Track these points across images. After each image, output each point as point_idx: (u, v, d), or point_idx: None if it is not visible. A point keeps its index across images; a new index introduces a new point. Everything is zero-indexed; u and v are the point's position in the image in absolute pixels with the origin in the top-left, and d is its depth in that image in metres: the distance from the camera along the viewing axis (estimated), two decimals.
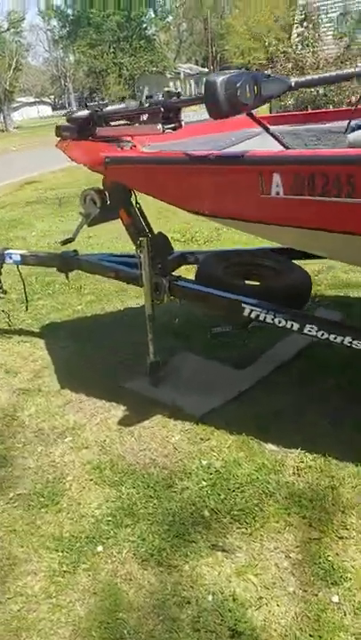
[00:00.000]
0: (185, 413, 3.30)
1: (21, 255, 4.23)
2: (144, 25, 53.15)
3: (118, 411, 3.44)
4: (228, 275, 3.53)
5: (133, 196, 3.63)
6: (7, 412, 3.56)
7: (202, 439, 3.08)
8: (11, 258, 4.24)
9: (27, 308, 4.63)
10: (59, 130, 3.55)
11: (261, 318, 2.98)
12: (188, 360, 3.87)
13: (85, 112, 3.29)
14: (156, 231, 3.58)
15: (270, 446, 2.94)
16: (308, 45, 8.78)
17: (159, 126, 2.74)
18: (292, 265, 3.58)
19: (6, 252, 4.28)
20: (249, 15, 55.74)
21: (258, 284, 3.60)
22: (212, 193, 2.57)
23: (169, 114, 2.75)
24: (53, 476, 2.93)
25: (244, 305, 3.02)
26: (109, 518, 2.59)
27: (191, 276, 3.76)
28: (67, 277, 4.19)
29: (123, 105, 3.45)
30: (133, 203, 3.64)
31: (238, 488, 2.67)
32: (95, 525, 2.57)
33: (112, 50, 42.91)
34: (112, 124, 3.28)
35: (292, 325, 2.86)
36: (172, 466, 2.89)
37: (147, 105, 2.90)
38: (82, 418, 3.42)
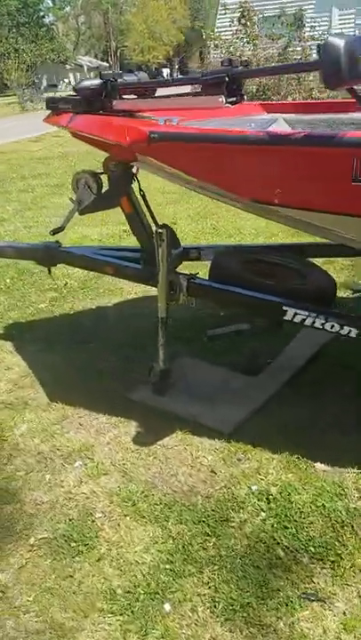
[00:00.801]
0: (209, 429, 2.87)
1: None
2: (41, 13, 51.10)
3: (129, 427, 2.94)
4: (250, 273, 3.12)
5: (136, 182, 3.15)
6: None
7: (239, 460, 2.66)
8: None
9: None
10: (54, 102, 2.98)
11: (308, 323, 2.61)
12: (193, 366, 3.43)
13: (97, 81, 2.74)
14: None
15: (321, 466, 2.58)
16: (248, 42, 8.57)
17: (221, 99, 2.28)
18: (313, 265, 3.24)
19: None
20: (148, 14, 55.32)
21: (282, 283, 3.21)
22: (290, 179, 2.15)
23: (233, 85, 2.30)
24: (77, 513, 2.39)
25: (285, 308, 2.64)
26: (166, 566, 2.11)
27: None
28: (49, 272, 3.58)
29: (134, 76, 2.94)
30: (135, 190, 3.17)
31: (306, 519, 2.29)
32: (151, 576, 2.08)
33: (12, 35, 40.71)
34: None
35: (349, 332, 2.51)
36: (217, 494, 2.46)
37: (199, 75, 2.42)
38: (87, 436, 2.89)
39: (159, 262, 2.84)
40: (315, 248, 3.35)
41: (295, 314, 2.60)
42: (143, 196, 3.19)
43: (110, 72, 2.84)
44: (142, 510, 2.38)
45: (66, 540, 2.25)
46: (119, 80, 2.74)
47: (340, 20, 9.70)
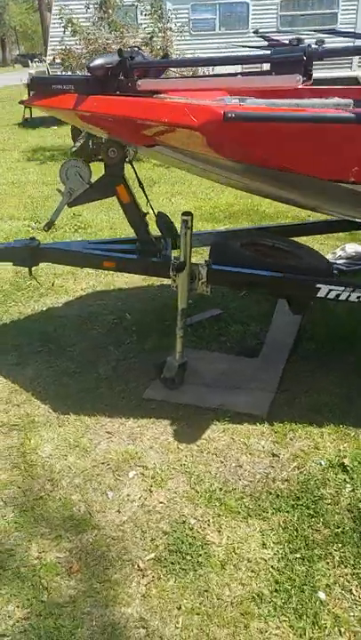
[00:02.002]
0: (245, 415, 2.82)
1: None
2: None
3: (161, 427, 2.78)
4: (252, 254, 3.10)
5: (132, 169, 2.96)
6: (12, 459, 2.60)
7: (291, 439, 2.67)
8: None
9: None
10: (44, 82, 2.67)
11: (343, 297, 2.68)
12: (192, 356, 3.33)
13: (115, 59, 2.49)
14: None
15: None
16: (116, 30, 8.35)
17: (298, 77, 2.21)
18: (300, 244, 3.32)
19: None
20: None
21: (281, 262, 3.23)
22: None
23: (308, 64, 2.24)
24: (168, 525, 2.21)
25: (319, 285, 2.68)
26: (296, 555, 2.06)
27: None
28: (30, 273, 3.20)
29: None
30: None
31: None
32: (286, 569, 2.02)
33: None
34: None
35: None
36: (293, 476, 2.44)
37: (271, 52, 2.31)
38: (123, 444, 2.68)
39: (183, 250, 2.69)
40: (298, 228, 3.43)
41: (330, 290, 2.64)
42: (141, 184, 3.00)
43: (128, 49, 2.58)
44: (233, 507, 2.28)
45: (178, 555, 2.07)
46: (137, 58, 2.52)
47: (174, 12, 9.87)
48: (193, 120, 2.13)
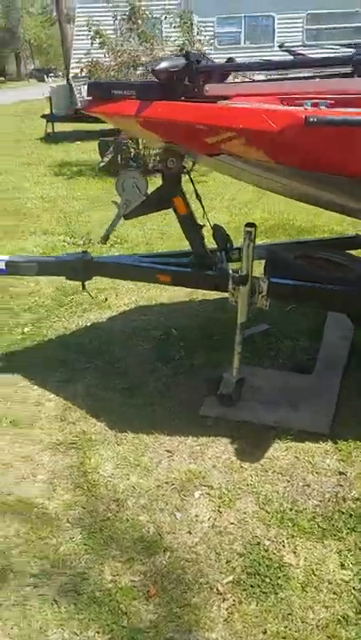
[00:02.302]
0: (306, 432, 2.78)
1: (9, 263, 3.08)
2: None
3: (223, 445, 2.75)
4: (308, 267, 3.07)
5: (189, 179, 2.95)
6: (73, 479, 2.58)
7: (357, 457, 2.63)
8: None
9: None
10: (103, 88, 2.65)
11: None
12: (245, 372, 3.29)
13: (180, 63, 2.47)
14: None
15: None
16: (146, 41, 8.40)
17: None
18: (351, 256, 3.29)
19: None
20: None
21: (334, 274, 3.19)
22: None
23: None
24: (242, 546, 2.18)
25: None
26: None
27: None
28: (83, 288, 3.19)
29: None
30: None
31: None
32: None
33: None
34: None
35: None
36: None
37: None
38: (184, 463, 2.65)
39: (246, 263, 2.67)
40: (350, 241, 3.39)
41: None
42: (198, 196, 3.00)
43: (195, 52, 2.56)
44: (306, 527, 2.24)
45: (256, 578, 2.03)
46: (202, 62, 2.50)
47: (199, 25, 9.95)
48: (272, 125, 2.09)
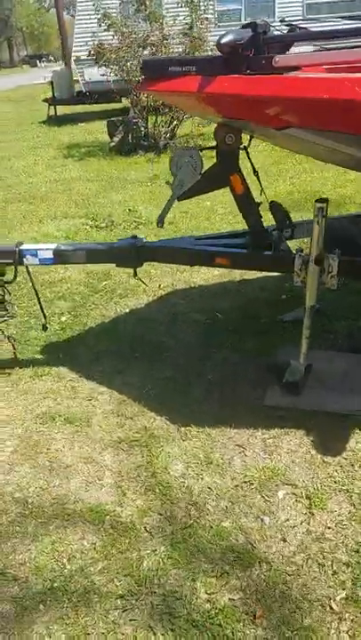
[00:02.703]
0: None
1: (57, 252, 2.77)
2: None
3: (297, 437, 2.48)
4: None
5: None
6: (142, 481, 2.32)
7: None
8: (36, 256, 2.76)
9: (45, 327, 3.11)
10: (158, 65, 2.33)
11: None
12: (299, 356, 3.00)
13: (246, 34, 2.16)
14: None
15: None
16: (155, 21, 7.96)
17: None
18: None
19: (24, 247, 2.77)
20: None
21: None
22: None
23: None
24: (346, 555, 1.92)
25: None
26: None
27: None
28: (135, 274, 2.88)
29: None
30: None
31: None
32: None
33: None
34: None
35: None
36: None
37: None
38: (259, 459, 2.37)
39: (317, 242, 2.36)
40: None
41: None
42: (256, 172, 2.67)
43: (260, 21, 2.23)
44: None
45: None
46: (268, 33, 2.18)
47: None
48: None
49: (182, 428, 2.57)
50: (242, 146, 2.59)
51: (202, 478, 2.29)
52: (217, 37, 2.19)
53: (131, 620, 1.74)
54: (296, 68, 2.12)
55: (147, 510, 2.15)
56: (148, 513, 2.14)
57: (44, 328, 3.08)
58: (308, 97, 1.92)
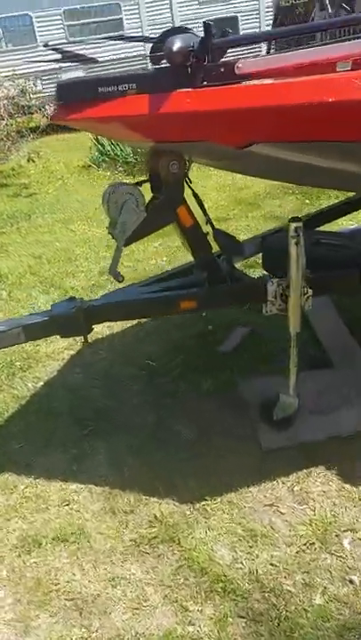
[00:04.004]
0: None
1: None
2: None
3: (318, 475, 2.36)
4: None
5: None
6: (196, 586, 1.96)
7: None
8: None
9: None
10: (84, 87, 2.02)
11: None
12: (272, 383, 2.90)
13: (193, 38, 1.94)
14: None
15: None
16: None
17: None
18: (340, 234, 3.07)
19: None
20: None
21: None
22: None
23: None
24: None
25: None
26: None
27: None
28: (85, 340, 2.43)
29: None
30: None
31: None
32: None
33: None
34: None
35: None
36: None
37: None
38: (299, 512, 2.21)
39: (293, 266, 2.25)
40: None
41: None
42: (199, 200, 2.47)
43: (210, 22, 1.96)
44: None
45: None
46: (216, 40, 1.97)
47: None
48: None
49: (197, 504, 2.26)
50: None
51: (257, 556, 2.02)
52: None
53: None
54: (261, 75, 1.97)
55: (224, 618, 1.82)
56: (228, 621, 1.81)
57: None
58: (306, 103, 1.78)
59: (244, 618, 1.81)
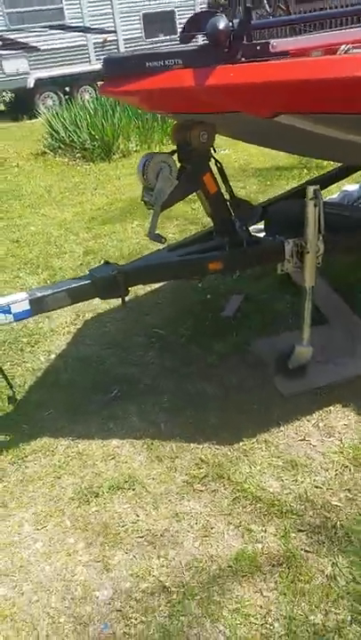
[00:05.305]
0: None
1: (33, 300, 2.35)
2: None
3: (337, 412, 2.63)
4: None
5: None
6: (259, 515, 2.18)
7: None
8: (8, 312, 2.31)
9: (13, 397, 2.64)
10: (138, 62, 2.18)
11: None
12: (275, 342, 3.16)
13: (230, 22, 2.14)
14: None
15: None
16: None
17: None
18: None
19: None
20: None
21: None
22: None
23: None
24: None
25: None
26: None
27: None
28: (123, 303, 2.59)
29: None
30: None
31: None
32: None
33: None
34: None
35: None
36: None
37: None
38: (328, 442, 2.47)
39: (311, 226, 2.50)
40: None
41: None
42: (220, 168, 2.67)
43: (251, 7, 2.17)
44: None
45: None
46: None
47: None
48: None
49: (236, 445, 2.48)
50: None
51: (302, 482, 2.26)
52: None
53: None
54: (292, 53, 2.20)
55: (287, 534, 2.05)
56: (291, 535, 2.04)
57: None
58: (325, 78, 2.00)
59: (304, 531, 2.05)
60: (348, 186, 4.70)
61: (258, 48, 2.15)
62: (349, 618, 1.73)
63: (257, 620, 1.76)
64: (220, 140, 2.66)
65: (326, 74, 1.99)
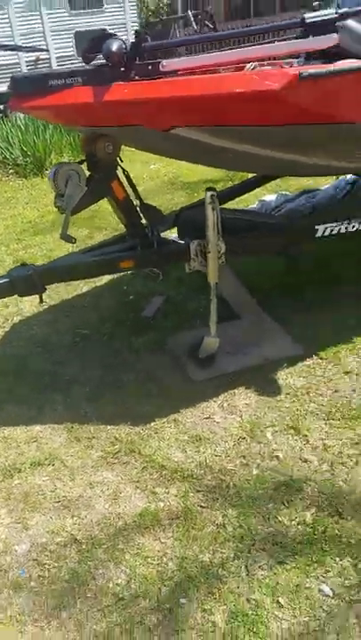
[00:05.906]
0: (289, 358, 3.19)
1: None
2: None
3: (240, 394, 2.97)
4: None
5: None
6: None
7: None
8: None
9: None
10: (39, 81, 2.49)
11: (336, 232, 3.21)
12: (190, 336, 3.49)
13: (124, 44, 2.47)
14: None
15: None
16: None
17: (335, 36, 2.49)
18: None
19: None
20: None
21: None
22: None
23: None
24: None
25: (317, 227, 3.18)
26: None
27: None
28: (41, 300, 2.87)
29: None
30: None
31: None
32: None
33: None
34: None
35: None
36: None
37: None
38: (230, 419, 2.80)
39: (210, 227, 2.85)
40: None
41: (326, 228, 3.16)
42: (128, 176, 3.00)
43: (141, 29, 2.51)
44: None
45: None
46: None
47: None
48: (271, 85, 2.22)
49: (148, 425, 2.78)
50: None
51: (203, 452, 2.58)
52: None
53: None
54: (179, 72, 2.55)
55: (186, 494, 2.35)
56: (189, 495, 2.35)
57: None
58: (224, 93, 2.34)
59: (201, 491, 2.36)
60: (267, 196, 5.13)
61: (149, 67, 2.50)
62: (232, 555, 2.04)
63: (154, 560, 2.05)
64: (149, 156, 2.94)
65: (196, 91, 2.34)
